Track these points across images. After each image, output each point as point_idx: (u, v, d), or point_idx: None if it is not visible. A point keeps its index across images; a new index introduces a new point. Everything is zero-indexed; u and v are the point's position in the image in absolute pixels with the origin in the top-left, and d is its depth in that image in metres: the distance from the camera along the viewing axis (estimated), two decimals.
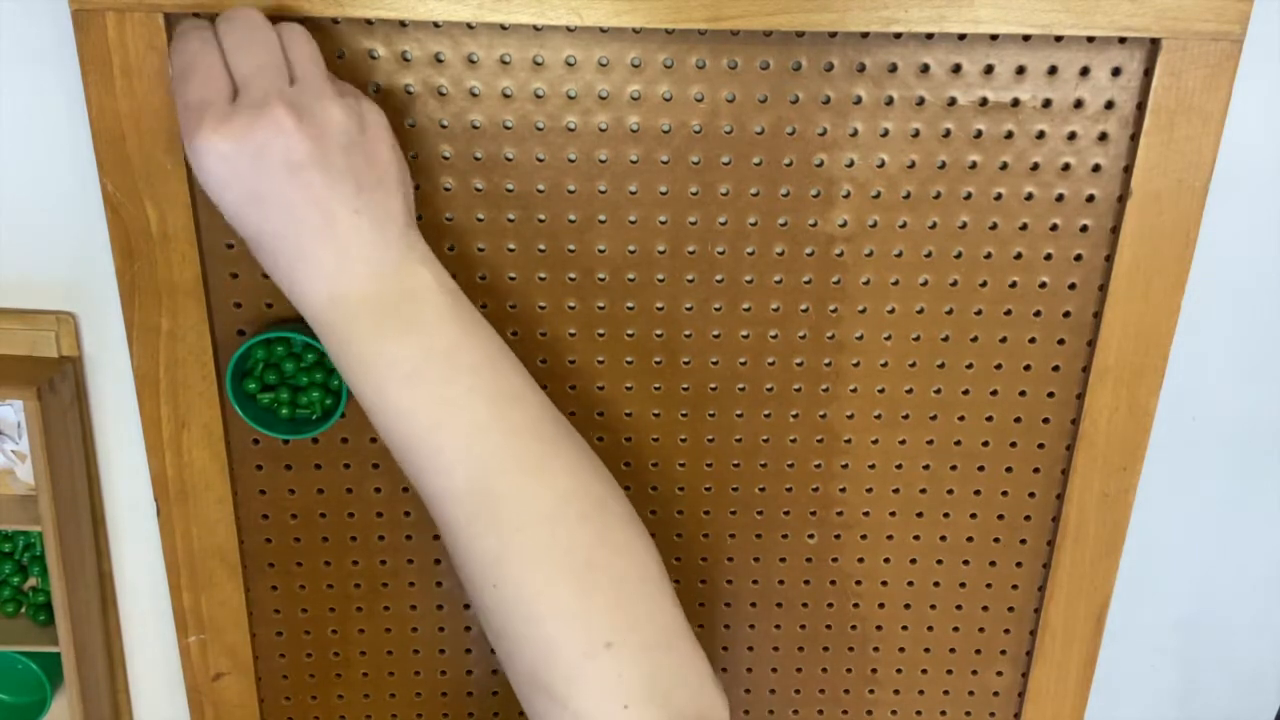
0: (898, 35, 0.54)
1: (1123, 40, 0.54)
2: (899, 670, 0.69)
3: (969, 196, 0.57)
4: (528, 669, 0.49)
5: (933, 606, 0.67)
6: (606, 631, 0.49)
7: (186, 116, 0.46)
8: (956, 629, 0.68)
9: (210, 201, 0.56)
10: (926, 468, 0.64)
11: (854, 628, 0.68)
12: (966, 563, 0.66)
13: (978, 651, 0.69)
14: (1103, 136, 0.56)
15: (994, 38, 0.54)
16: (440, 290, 0.49)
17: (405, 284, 0.48)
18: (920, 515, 0.65)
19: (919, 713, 0.70)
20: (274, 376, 0.59)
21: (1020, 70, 0.55)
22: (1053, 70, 0.55)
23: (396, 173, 0.49)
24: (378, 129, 0.48)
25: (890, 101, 0.55)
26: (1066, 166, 0.57)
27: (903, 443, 0.63)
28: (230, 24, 0.48)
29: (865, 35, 0.54)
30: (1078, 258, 0.59)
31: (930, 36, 0.54)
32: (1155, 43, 0.53)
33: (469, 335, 0.49)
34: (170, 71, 0.47)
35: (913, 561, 0.66)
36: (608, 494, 0.52)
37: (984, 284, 0.59)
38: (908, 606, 0.67)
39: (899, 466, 0.64)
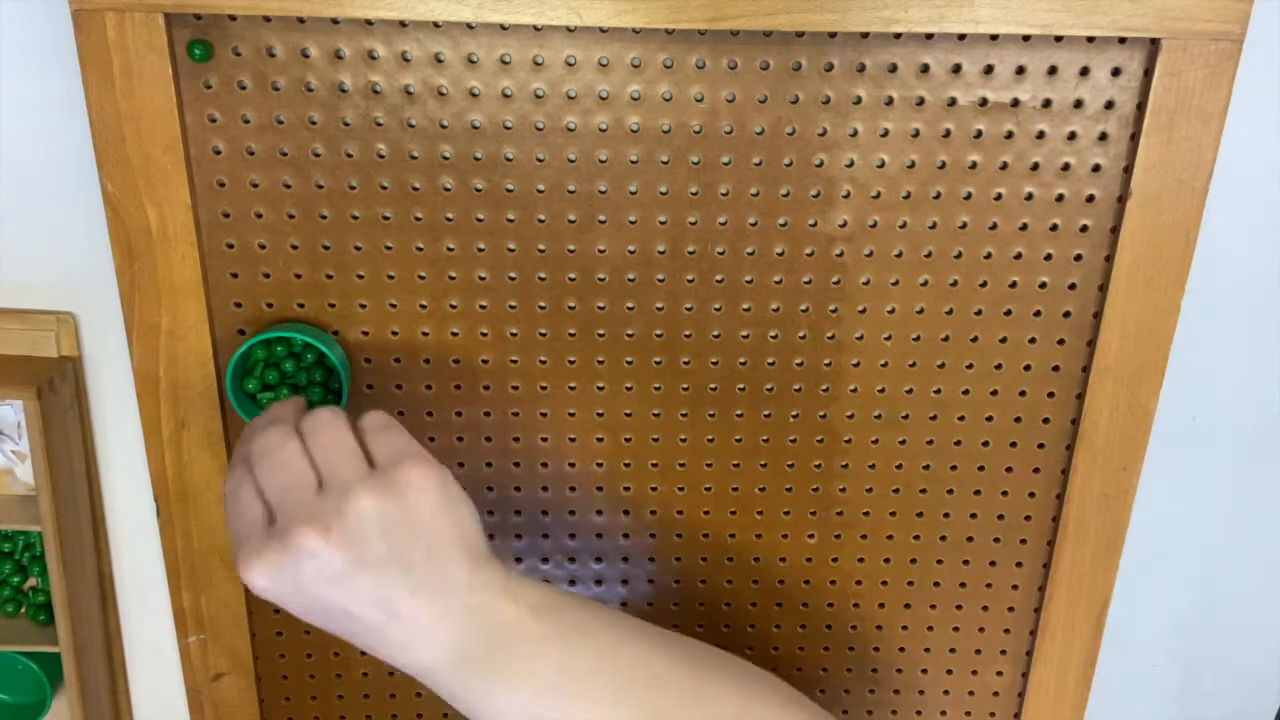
0: (898, 35, 0.54)
1: (1123, 40, 0.54)
2: (899, 670, 0.69)
3: (969, 196, 0.57)
4: None
5: (933, 606, 0.67)
6: None
7: (234, 547, 0.47)
8: (956, 629, 0.68)
9: (210, 201, 0.56)
10: (926, 468, 0.64)
11: (854, 628, 0.68)
12: (966, 563, 0.66)
13: (978, 651, 0.69)
14: (1103, 136, 0.56)
15: (994, 38, 0.54)
16: (524, 613, 0.48)
17: (489, 623, 0.47)
18: (920, 515, 0.65)
19: (919, 713, 0.70)
20: (274, 376, 0.59)
21: (1020, 70, 0.55)
22: (1053, 70, 0.55)
23: (449, 530, 0.48)
24: (421, 493, 0.47)
25: (890, 101, 0.55)
26: (1066, 166, 0.57)
27: (903, 443, 0.63)
28: (262, 443, 0.49)
29: (865, 35, 0.54)
30: (1078, 258, 0.59)
31: (930, 36, 0.54)
32: (1155, 43, 0.53)
33: (572, 645, 0.49)
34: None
35: (913, 561, 0.66)
36: (754, 703, 0.52)
37: (984, 284, 0.59)
38: (908, 606, 0.67)
39: (899, 466, 0.64)
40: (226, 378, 0.57)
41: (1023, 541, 0.65)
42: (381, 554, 0.46)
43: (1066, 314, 0.60)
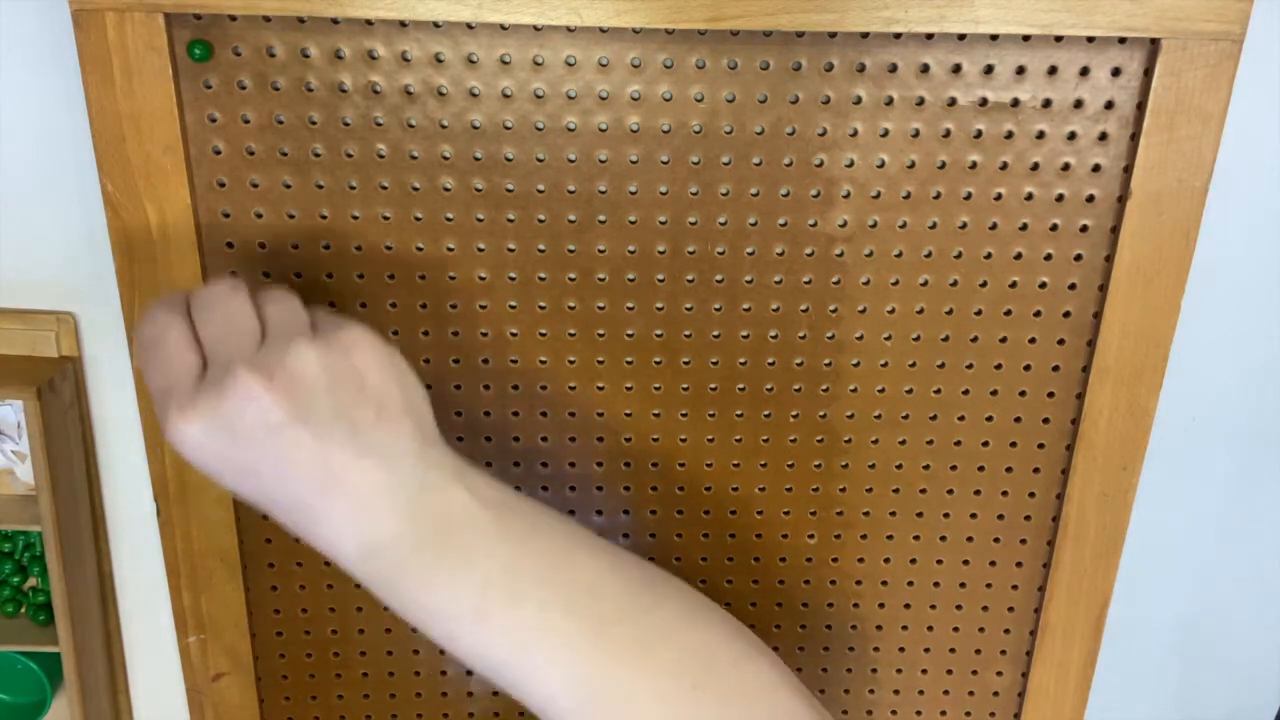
0: (898, 35, 0.54)
1: (1123, 40, 0.54)
2: (899, 670, 0.69)
3: (969, 196, 0.57)
4: None
5: (933, 606, 0.67)
6: None
7: (155, 403, 0.43)
8: (956, 629, 0.68)
9: (210, 201, 0.56)
10: (926, 468, 0.64)
11: (854, 628, 0.68)
12: (966, 563, 0.66)
13: (978, 651, 0.69)
14: (1103, 136, 0.56)
15: (994, 38, 0.54)
16: (478, 506, 0.45)
17: (438, 513, 0.44)
18: (920, 515, 0.65)
19: (919, 713, 0.70)
20: None
21: (1020, 70, 0.55)
22: (1053, 70, 0.55)
23: (397, 394, 0.44)
24: (365, 352, 0.44)
25: (890, 101, 0.55)
26: (1066, 166, 0.57)
27: (903, 443, 0.63)
28: (199, 295, 0.45)
29: (865, 35, 0.54)
30: (1078, 258, 0.59)
31: (930, 36, 0.54)
32: (1155, 43, 0.53)
33: (525, 544, 0.45)
34: (136, 358, 0.45)
35: (913, 561, 0.66)
36: (718, 640, 0.48)
37: (984, 284, 0.59)
38: (908, 606, 0.67)
39: (899, 466, 0.64)
40: None
41: (1023, 541, 0.65)
42: (328, 408, 0.42)
43: (1066, 314, 0.60)
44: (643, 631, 0.46)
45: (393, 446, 0.44)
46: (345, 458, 0.43)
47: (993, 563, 0.66)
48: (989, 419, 0.62)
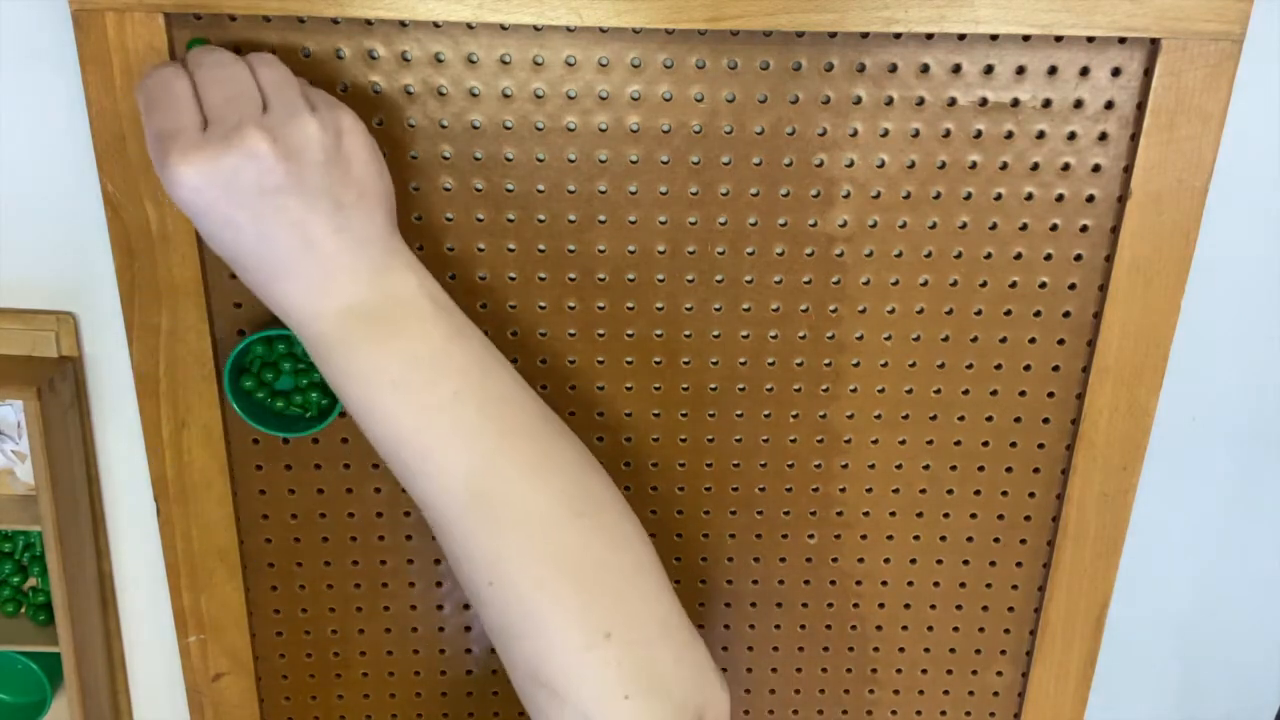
0: (898, 35, 0.54)
1: (1123, 40, 0.54)
2: (899, 670, 0.69)
3: (969, 196, 0.57)
4: (527, 665, 0.49)
5: (933, 606, 0.67)
6: (604, 624, 0.49)
7: (155, 145, 0.45)
8: (956, 629, 0.68)
9: None
10: (926, 468, 0.64)
11: (854, 628, 0.68)
12: (966, 563, 0.66)
13: (978, 651, 0.69)
14: (1103, 136, 0.56)
15: (994, 38, 0.54)
16: (424, 296, 0.49)
17: (389, 292, 0.48)
18: (920, 515, 0.65)
19: (919, 713, 0.70)
20: (271, 374, 0.59)
21: (1020, 70, 0.55)
22: (1053, 70, 0.55)
23: (376, 182, 0.48)
24: (354, 138, 0.48)
25: (890, 101, 0.55)
26: (1066, 166, 0.57)
27: (903, 443, 0.63)
28: (199, 60, 0.47)
29: (865, 35, 0.54)
30: (1078, 258, 0.59)
31: (930, 36, 0.54)
32: (1155, 43, 0.53)
33: (455, 340, 0.49)
34: (139, 103, 0.47)
35: (913, 561, 0.66)
36: (602, 490, 0.52)
37: (984, 284, 0.59)
38: (908, 606, 0.67)
39: (899, 466, 0.64)
40: (225, 374, 0.57)
41: (1023, 541, 0.65)
42: (318, 181, 0.46)
43: (1066, 314, 0.60)
44: (541, 450, 0.50)
45: (366, 228, 0.48)
46: (324, 229, 0.46)
47: (993, 563, 0.66)
48: (989, 419, 0.62)
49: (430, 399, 0.48)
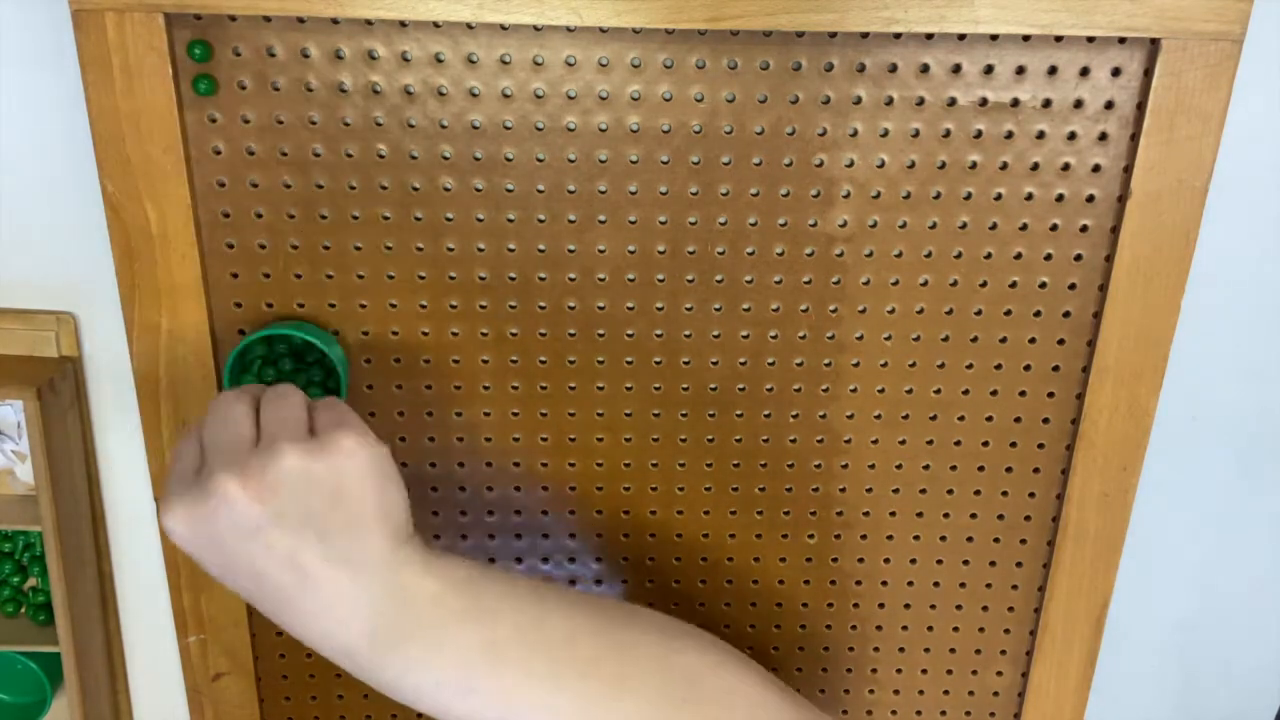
0: (898, 35, 0.54)
1: (1123, 40, 0.54)
2: (899, 670, 0.69)
3: (969, 196, 0.57)
4: None
5: (933, 606, 0.67)
6: None
7: (163, 495, 0.47)
8: (956, 629, 0.68)
9: (210, 201, 0.56)
10: (926, 468, 0.64)
11: (854, 628, 0.68)
12: (966, 563, 0.66)
13: (978, 651, 0.69)
14: (1103, 136, 0.56)
15: (994, 38, 0.54)
16: (447, 591, 0.47)
17: (412, 608, 0.46)
18: (920, 515, 0.65)
19: (919, 713, 0.70)
20: (272, 374, 0.59)
21: (1020, 70, 0.55)
22: (1053, 70, 0.55)
23: (374, 504, 0.46)
24: (348, 460, 0.46)
25: (890, 101, 0.55)
26: (1066, 166, 0.57)
27: (903, 443, 0.63)
28: (215, 402, 0.49)
29: (865, 35, 0.54)
30: (1078, 258, 0.59)
31: (930, 36, 0.54)
32: (1155, 43, 0.53)
33: (497, 617, 0.48)
34: None
35: (913, 561, 0.66)
36: (691, 654, 0.51)
37: (984, 284, 0.59)
38: (908, 606, 0.67)
39: (899, 466, 0.64)
40: (225, 373, 0.57)
41: (1023, 541, 0.65)
42: (298, 513, 0.45)
43: (1066, 314, 0.60)
44: (622, 666, 0.49)
45: (361, 553, 0.46)
46: (314, 562, 0.45)
47: (993, 563, 0.66)
48: (989, 419, 0.62)
49: (503, 685, 0.47)
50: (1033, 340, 0.60)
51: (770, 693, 0.52)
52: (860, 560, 0.66)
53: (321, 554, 0.45)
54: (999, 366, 0.61)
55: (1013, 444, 0.63)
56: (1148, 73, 0.54)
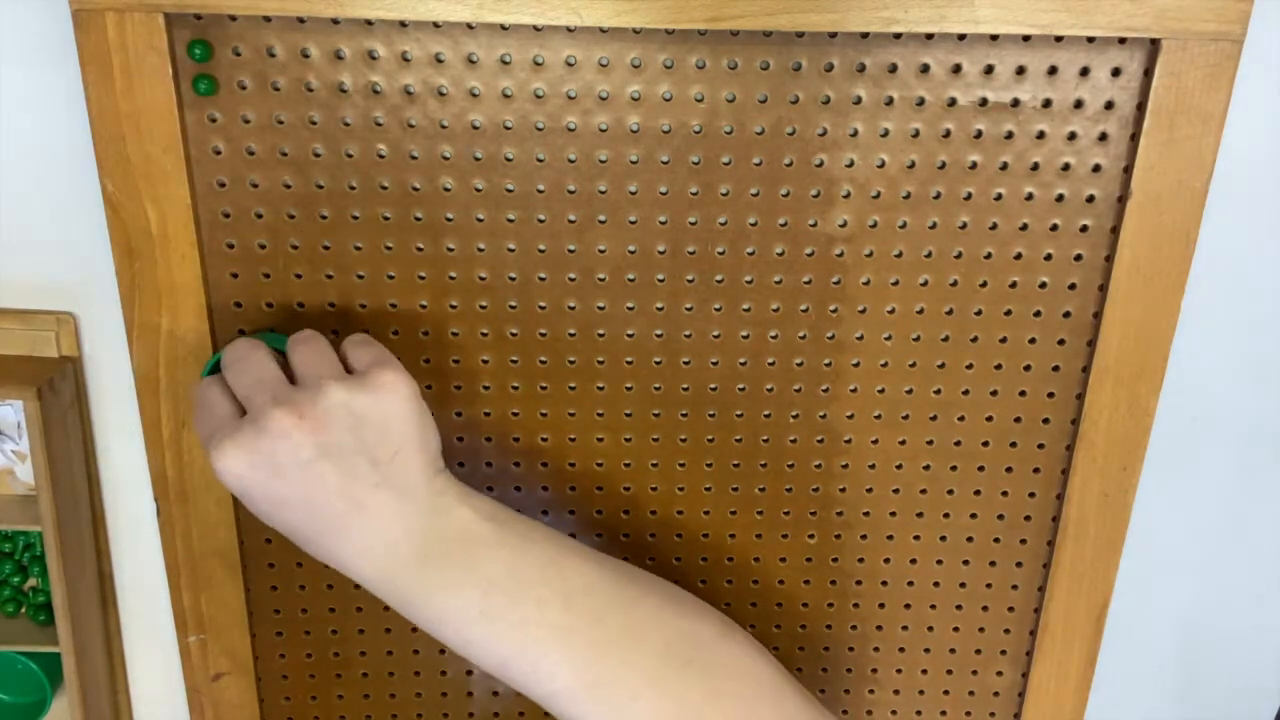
0: (898, 35, 0.54)
1: (1123, 40, 0.54)
2: (899, 670, 0.69)
3: (969, 197, 0.57)
4: None
5: (933, 606, 0.67)
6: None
7: (206, 444, 0.48)
8: (956, 629, 0.68)
9: (210, 201, 0.56)
10: (926, 468, 0.64)
11: (854, 628, 0.68)
12: (966, 563, 0.66)
13: (978, 651, 0.69)
14: (1103, 137, 0.56)
15: (994, 38, 0.54)
16: (481, 522, 0.50)
17: (445, 533, 0.50)
18: (920, 515, 0.65)
19: (919, 713, 0.70)
20: None
21: (1020, 70, 0.55)
22: (1053, 70, 0.55)
23: (416, 434, 0.50)
24: (392, 395, 0.49)
25: (890, 102, 0.55)
26: (1066, 167, 0.57)
27: (903, 443, 0.63)
28: (225, 361, 0.51)
29: (865, 35, 0.54)
30: (1078, 258, 0.59)
31: (930, 37, 0.54)
32: (1155, 43, 0.53)
33: (523, 550, 0.51)
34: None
35: (913, 561, 0.66)
36: (699, 625, 0.53)
37: (984, 284, 0.59)
38: (908, 606, 0.67)
39: (899, 466, 0.64)
40: (203, 376, 0.57)
41: (1023, 541, 0.65)
42: (350, 444, 0.48)
43: (1066, 314, 0.60)
44: (633, 620, 0.52)
45: (405, 480, 0.49)
46: (365, 489, 0.48)
47: (993, 563, 0.66)
48: (989, 419, 0.62)
49: (519, 616, 0.50)
50: (1033, 340, 0.60)
51: (774, 673, 0.54)
52: (860, 560, 0.66)
53: (371, 482, 0.48)
54: (999, 366, 0.61)
55: (1013, 444, 0.63)
56: (1148, 73, 0.54)
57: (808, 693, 0.55)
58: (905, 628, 0.68)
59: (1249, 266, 0.62)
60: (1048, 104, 0.55)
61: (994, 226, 0.58)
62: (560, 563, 0.51)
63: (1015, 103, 0.55)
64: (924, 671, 0.69)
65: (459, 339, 0.60)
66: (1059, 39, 0.54)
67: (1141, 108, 0.55)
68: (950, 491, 0.64)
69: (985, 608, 0.67)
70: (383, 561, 0.49)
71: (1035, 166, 0.57)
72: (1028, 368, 0.61)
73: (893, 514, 0.65)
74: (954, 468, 0.64)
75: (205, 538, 0.63)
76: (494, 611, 0.49)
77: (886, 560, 0.66)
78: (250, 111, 0.55)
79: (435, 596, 0.49)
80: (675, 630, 0.52)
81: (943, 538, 0.65)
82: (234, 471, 0.47)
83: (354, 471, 0.48)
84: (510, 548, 0.51)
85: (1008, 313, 0.60)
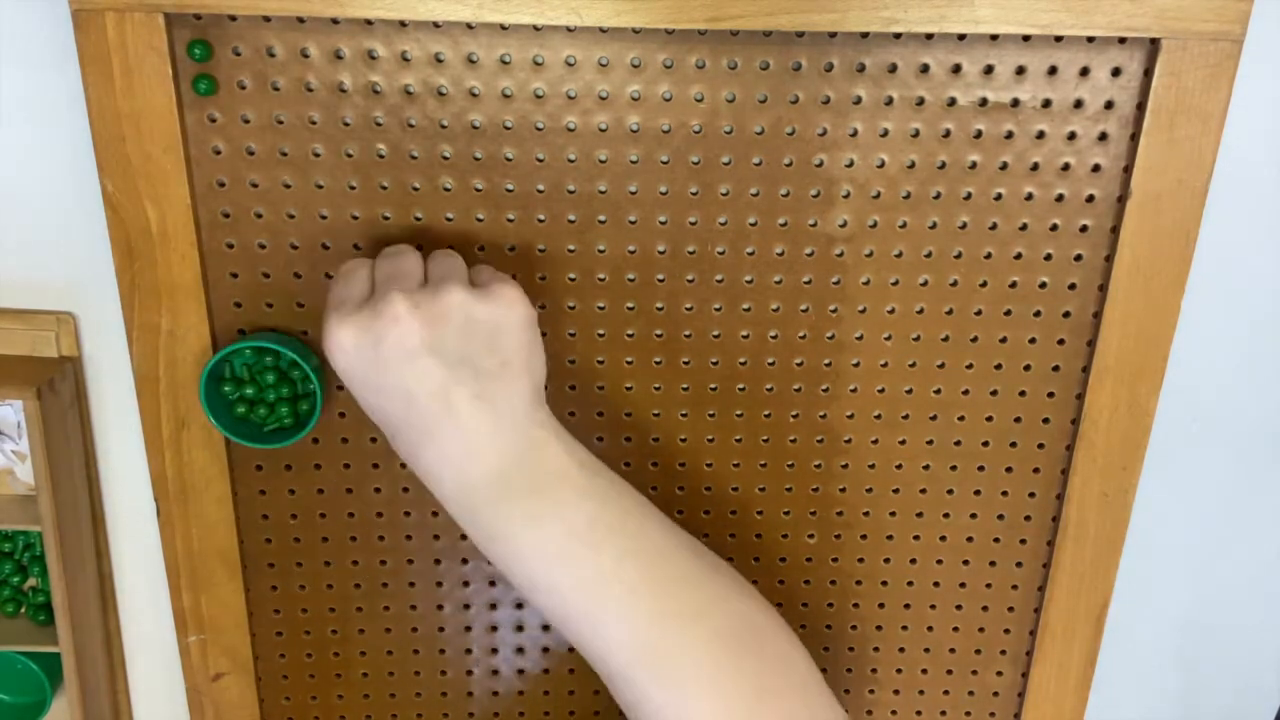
0: (898, 35, 0.54)
1: (1123, 40, 0.54)
2: (899, 670, 0.69)
3: (969, 197, 0.57)
4: None
5: (933, 606, 0.67)
6: None
7: (325, 315, 0.49)
8: (956, 629, 0.68)
9: (210, 201, 0.56)
10: (926, 468, 0.64)
11: (854, 628, 0.68)
12: (966, 563, 0.66)
13: (978, 651, 0.69)
14: (1103, 137, 0.56)
15: (994, 38, 0.54)
16: (573, 464, 0.50)
17: (536, 465, 0.49)
18: (920, 515, 0.65)
19: (919, 713, 0.70)
20: (254, 390, 0.59)
21: (1020, 70, 0.55)
22: (1053, 70, 0.55)
23: (524, 359, 0.50)
24: (511, 313, 0.49)
25: (890, 101, 0.55)
26: (1066, 166, 0.57)
27: (903, 443, 0.63)
28: (390, 249, 0.52)
29: (865, 35, 0.54)
30: (1078, 258, 0.59)
31: (930, 37, 0.54)
32: (1155, 43, 0.53)
33: (608, 503, 0.50)
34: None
35: (913, 561, 0.66)
36: (758, 614, 0.53)
37: (984, 284, 0.59)
38: (908, 606, 0.67)
39: (899, 466, 0.64)
40: (203, 377, 0.57)
41: (1023, 541, 0.65)
42: (458, 347, 0.48)
43: (1066, 314, 0.60)
44: (700, 596, 0.51)
45: (508, 398, 0.49)
46: (464, 397, 0.48)
47: (993, 563, 0.66)
48: (989, 419, 0.62)
49: (594, 568, 0.49)
50: (1033, 340, 0.60)
51: (815, 674, 0.54)
52: (860, 560, 0.66)
53: (472, 391, 0.48)
54: (999, 366, 0.61)
55: (1013, 444, 0.63)
56: (1148, 73, 0.54)
57: (830, 692, 0.55)
58: (905, 628, 0.68)
59: (1249, 266, 0.62)
60: (1048, 104, 0.55)
61: (994, 226, 0.58)
62: (643, 523, 0.51)
63: (1015, 103, 0.55)
64: (924, 671, 0.69)
65: None
66: (1059, 39, 0.54)
67: (1141, 107, 0.55)
68: (950, 491, 0.64)
69: (985, 608, 0.67)
70: (465, 477, 0.48)
71: (1035, 166, 0.57)
72: (1028, 368, 0.61)
73: (893, 514, 0.65)
74: (954, 468, 0.64)
75: (205, 538, 0.63)
76: (569, 555, 0.48)
77: (886, 560, 0.66)
78: (250, 111, 0.55)
79: (513, 528, 0.48)
80: (738, 614, 0.52)
81: (943, 538, 0.65)
82: (341, 346, 0.47)
83: (456, 375, 0.47)
84: (597, 497, 0.50)
85: (1008, 313, 0.60)
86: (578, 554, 0.49)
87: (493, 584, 0.66)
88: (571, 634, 0.50)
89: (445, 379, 0.47)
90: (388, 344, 0.47)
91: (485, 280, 0.50)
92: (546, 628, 0.67)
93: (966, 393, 0.62)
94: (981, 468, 0.64)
